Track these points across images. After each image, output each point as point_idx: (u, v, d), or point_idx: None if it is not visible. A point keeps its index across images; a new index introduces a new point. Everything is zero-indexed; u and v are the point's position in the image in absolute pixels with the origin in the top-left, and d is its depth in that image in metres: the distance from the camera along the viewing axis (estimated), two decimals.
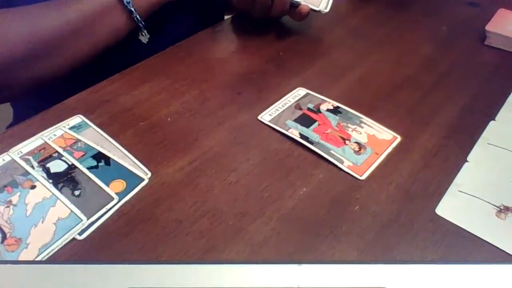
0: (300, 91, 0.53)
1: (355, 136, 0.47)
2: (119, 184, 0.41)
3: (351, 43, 0.64)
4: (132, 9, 0.52)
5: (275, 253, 0.36)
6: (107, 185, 0.41)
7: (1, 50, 0.48)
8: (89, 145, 0.45)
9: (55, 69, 0.53)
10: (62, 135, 0.46)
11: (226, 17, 0.72)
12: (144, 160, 0.44)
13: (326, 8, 0.60)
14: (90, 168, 0.42)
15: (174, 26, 0.64)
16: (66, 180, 0.41)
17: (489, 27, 0.63)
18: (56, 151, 0.44)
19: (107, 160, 0.43)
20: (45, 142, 0.45)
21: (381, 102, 0.53)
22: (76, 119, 0.48)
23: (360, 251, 0.37)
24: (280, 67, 0.58)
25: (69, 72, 0.54)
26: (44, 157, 0.43)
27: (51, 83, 0.54)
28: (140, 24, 0.54)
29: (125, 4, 0.52)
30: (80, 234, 0.37)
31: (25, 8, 0.50)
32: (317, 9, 0.60)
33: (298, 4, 0.59)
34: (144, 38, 0.56)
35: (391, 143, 0.47)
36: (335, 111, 0.50)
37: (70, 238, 0.37)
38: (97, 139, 0.46)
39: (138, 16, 0.53)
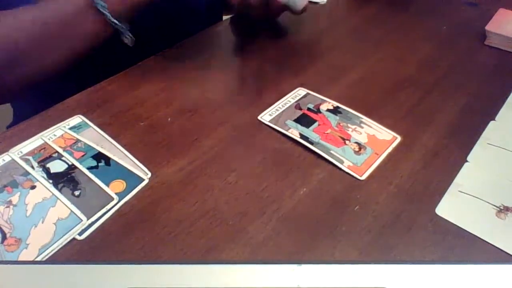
0: (300, 91, 0.53)
1: (355, 136, 0.47)
2: (119, 184, 0.41)
3: (351, 43, 0.64)
4: (106, 12, 0.50)
5: (275, 253, 0.36)
6: (107, 185, 0.41)
7: None
8: (89, 145, 0.45)
9: (39, 71, 0.52)
10: (62, 135, 0.46)
11: (225, 17, 0.72)
12: (144, 160, 0.44)
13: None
14: (90, 168, 0.42)
15: (173, 27, 0.64)
16: (66, 180, 0.41)
17: (489, 27, 0.63)
18: (56, 151, 0.44)
19: (107, 160, 0.43)
20: (45, 142, 0.45)
21: (381, 102, 0.53)
22: (76, 119, 0.48)
23: (360, 251, 0.37)
24: (280, 67, 0.58)
25: (54, 74, 0.53)
26: (44, 157, 0.43)
27: (39, 85, 0.53)
28: (118, 27, 0.52)
29: (100, 9, 0.50)
30: (80, 234, 0.37)
31: (2, 13, 0.49)
32: (314, 0, 0.59)
33: None
34: (129, 40, 0.54)
35: (391, 143, 0.47)
36: (335, 111, 0.50)
37: (70, 238, 0.37)
38: (97, 139, 0.46)
39: (113, 20, 0.51)
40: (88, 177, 0.41)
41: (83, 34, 0.51)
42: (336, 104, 0.51)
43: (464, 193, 0.42)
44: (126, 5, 0.51)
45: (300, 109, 0.51)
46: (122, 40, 0.54)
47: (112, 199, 0.40)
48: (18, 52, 0.49)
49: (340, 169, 0.44)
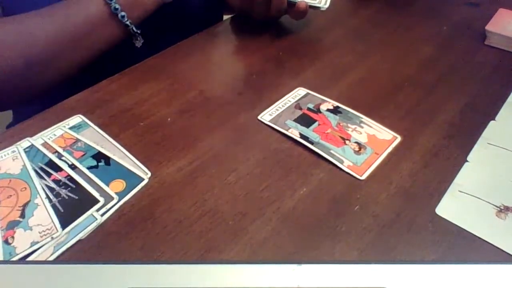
0: (300, 91, 0.53)
1: (355, 136, 0.47)
2: (119, 184, 0.41)
3: (351, 43, 0.64)
4: (127, 22, 0.53)
5: (275, 253, 0.36)
6: (107, 185, 0.41)
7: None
8: (89, 145, 0.45)
9: (52, 78, 0.53)
10: (62, 135, 0.46)
11: (225, 17, 0.72)
12: (144, 160, 0.44)
13: (325, 4, 0.60)
14: (90, 168, 0.42)
15: (174, 27, 0.64)
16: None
17: (489, 27, 0.63)
18: (56, 151, 0.44)
19: (107, 160, 0.43)
20: (45, 142, 0.45)
21: (381, 102, 0.53)
22: (76, 119, 0.48)
23: (360, 251, 0.37)
24: (280, 67, 0.58)
25: (65, 80, 0.54)
26: None
27: (49, 90, 0.54)
28: (136, 33, 0.54)
29: (120, 18, 0.52)
30: None
31: (19, 17, 0.50)
32: (316, 5, 0.59)
33: (296, 2, 0.59)
34: (138, 42, 0.56)
35: (391, 143, 0.47)
36: (335, 111, 0.50)
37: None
38: (97, 139, 0.46)
39: (134, 28, 0.53)
40: (88, 177, 0.41)
41: (100, 40, 0.53)
42: (336, 104, 0.51)
43: (464, 193, 0.42)
44: (141, 11, 0.53)
45: (300, 109, 0.51)
46: (133, 43, 0.56)
47: (112, 198, 0.40)
48: (37, 57, 0.50)
49: (340, 169, 0.44)
